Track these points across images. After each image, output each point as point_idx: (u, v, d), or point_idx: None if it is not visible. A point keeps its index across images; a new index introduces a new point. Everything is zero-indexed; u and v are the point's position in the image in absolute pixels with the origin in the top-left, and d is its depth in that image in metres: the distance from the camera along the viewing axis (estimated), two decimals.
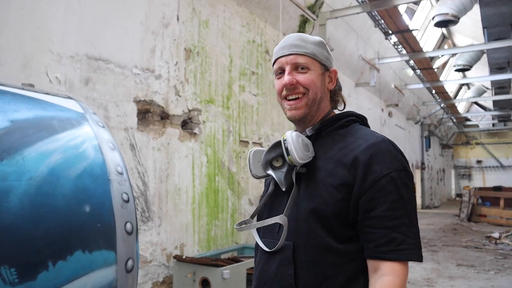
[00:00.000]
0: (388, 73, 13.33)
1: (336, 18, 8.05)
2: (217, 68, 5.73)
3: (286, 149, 1.18)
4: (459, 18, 9.94)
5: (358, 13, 8.09)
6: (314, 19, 7.45)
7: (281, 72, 1.29)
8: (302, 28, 7.82)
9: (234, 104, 6.06)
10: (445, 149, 27.84)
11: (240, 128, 6.17)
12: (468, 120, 26.76)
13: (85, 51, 3.84)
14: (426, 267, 6.94)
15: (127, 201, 1.25)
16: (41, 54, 3.45)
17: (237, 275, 4.16)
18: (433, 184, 22.86)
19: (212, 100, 5.59)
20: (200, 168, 5.29)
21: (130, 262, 1.22)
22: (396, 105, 14.65)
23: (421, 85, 14.70)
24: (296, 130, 1.34)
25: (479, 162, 31.25)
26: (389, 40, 10.86)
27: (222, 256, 5.10)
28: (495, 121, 25.84)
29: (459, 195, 27.01)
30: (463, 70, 15.15)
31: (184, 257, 4.57)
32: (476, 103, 25.19)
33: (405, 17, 12.38)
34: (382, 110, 13.98)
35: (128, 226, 1.23)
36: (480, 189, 18.75)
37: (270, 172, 1.30)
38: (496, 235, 10.25)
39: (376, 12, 9.08)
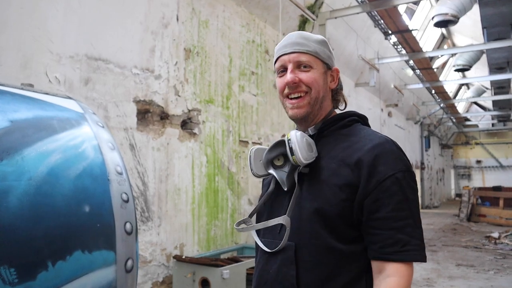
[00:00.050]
0: (387, 73, 13.34)
1: (335, 18, 8.05)
2: (216, 68, 5.73)
3: (291, 148, 1.17)
4: (458, 18, 9.94)
5: (357, 13, 8.09)
6: (313, 19, 7.45)
7: (283, 70, 1.28)
8: (301, 28, 7.82)
9: (234, 104, 6.06)
10: (445, 149, 27.85)
11: (240, 128, 6.17)
12: (468, 120, 26.77)
13: (84, 51, 3.84)
14: (425, 267, 6.94)
15: (127, 201, 1.25)
16: (40, 54, 3.45)
17: (237, 275, 4.16)
18: (432, 184, 22.86)
19: (212, 100, 5.59)
20: (200, 168, 5.29)
21: (129, 262, 1.22)
22: (396, 105, 14.66)
23: (420, 85, 14.70)
24: (297, 129, 1.33)
25: (478, 162, 31.26)
26: (389, 40, 10.86)
27: (222, 256, 5.10)
28: (495, 121, 25.86)
29: (458, 195, 27.01)
30: (462, 70, 15.15)
31: (183, 257, 4.57)
32: (475, 103, 25.20)
33: (404, 17, 12.39)
34: (382, 110, 13.98)
35: (128, 226, 1.23)
36: (480, 189, 18.76)
37: (271, 171, 1.29)
38: (495, 235, 10.26)
39: (375, 12, 9.08)
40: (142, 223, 4.36)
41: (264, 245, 1.25)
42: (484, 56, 13.00)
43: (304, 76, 1.24)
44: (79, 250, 1.09)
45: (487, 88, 19.36)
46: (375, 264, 1.13)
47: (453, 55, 15.87)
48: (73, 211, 1.11)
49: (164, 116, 4.75)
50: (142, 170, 4.39)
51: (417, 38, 12.10)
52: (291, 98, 1.26)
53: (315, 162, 1.21)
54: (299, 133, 1.20)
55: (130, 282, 1.22)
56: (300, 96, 1.25)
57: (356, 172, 1.14)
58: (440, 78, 16.77)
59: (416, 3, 13.61)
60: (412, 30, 10.44)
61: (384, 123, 14.17)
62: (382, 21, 9.58)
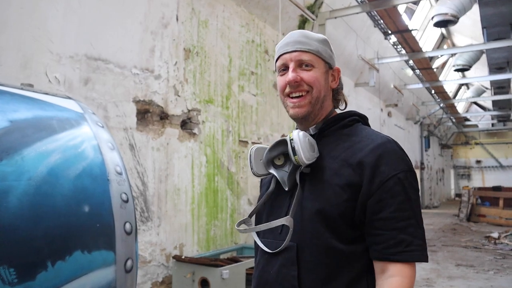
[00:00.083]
0: (387, 73, 13.34)
1: (335, 18, 8.05)
2: (216, 68, 5.73)
3: (293, 148, 1.16)
4: (458, 18, 9.94)
5: (357, 13, 8.10)
6: (313, 19, 7.45)
7: (284, 69, 1.26)
8: (301, 28, 7.82)
9: (234, 104, 6.06)
10: (445, 149, 27.85)
11: (240, 128, 6.17)
12: (468, 120, 26.78)
13: (84, 51, 3.84)
14: (425, 267, 6.95)
15: (126, 201, 1.25)
16: (40, 54, 3.45)
17: (236, 275, 4.16)
18: (432, 184, 22.87)
19: (212, 100, 5.59)
20: (200, 168, 5.29)
21: (129, 262, 1.22)
22: (396, 105, 14.66)
23: (420, 85, 14.71)
24: (297, 128, 1.33)
25: (478, 162, 31.27)
26: (389, 40, 10.87)
27: (222, 256, 5.10)
28: (495, 121, 25.87)
29: (458, 195, 27.01)
30: (462, 70, 15.15)
31: (183, 257, 4.57)
32: (475, 103, 25.21)
33: (404, 17, 12.39)
34: (382, 110, 13.99)
35: (127, 226, 1.23)
36: (480, 189, 18.76)
37: (272, 170, 1.28)
38: (495, 235, 10.26)
39: (375, 12, 9.09)
40: (141, 223, 4.36)
41: (265, 246, 1.24)
42: (484, 56, 13.00)
43: (305, 75, 1.23)
44: (79, 250, 1.09)
45: (486, 88, 19.37)
46: (377, 265, 1.12)
47: (452, 55, 15.87)
48: (73, 211, 1.11)
49: (163, 116, 4.75)
50: (142, 170, 4.39)
51: (417, 38, 12.10)
52: (292, 97, 1.25)
53: (316, 162, 1.20)
54: (301, 133, 1.19)
55: (129, 282, 1.22)
56: (302, 95, 1.24)
57: (359, 172, 1.13)
58: (440, 78, 16.78)
59: (416, 3, 13.62)
60: (412, 30, 10.45)
61: (384, 123, 14.17)
62: (381, 21, 9.58)
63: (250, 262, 4.40)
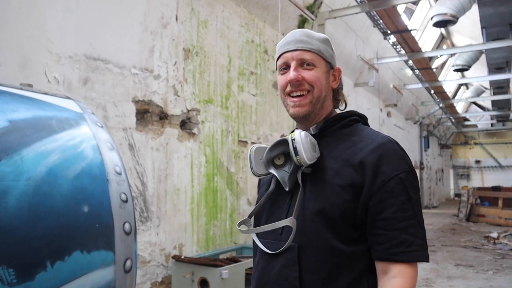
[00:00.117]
0: (387, 73, 13.35)
1: (335, 18, 8.05)
2: (216, 68, 5.73)
3: (295, 149, 1.15)
4: (457, 18, 9.95)
5: (356, 13, 8.10)
6: (313, 19, 7.45)
7: (285, 67, 1.26)
8: (301, 28, 7.81)
9: (233, 104, 6.06)
10: (444, 149, 27.87)
11: (239, 128, 6.17)
12: (467, 120, 26.81)
13: (83, 51, 3.84)
14: (424, 267, 6.95)
15: (126, 201, 1.25)
16: (39, 54, 3.44)
17: (236, 275, 4.16)
18: (431, 184, 22.89)
19: (211, 100, 5.59)
20: (199, 168, 5.29)
21: (128, 262, 1.22)
22: (395, 105, 14.67)
23: (419, 85, 14.71)
24: (297, 128, 1.32)
25: (477, 162, 31.30)
26: (388, 40, 10.87)
27: (221, 256, 5.10)
28: (494, 121, 25.91)
29: (457, 195, 27.03)
30: (461, 70, 15.17)
31: (182, 257, 4.56)
32: (474, 103, 25.23)
33: (404, 17, 12.40)
34: (381, 110, 13.99)
35: (127, 226, 1.23)
36: (479, 189, 18.76)
37: (272, 170, 1.27)
38: (494, 235, 10.27)
39: (375, 12, 9.09)
40: (141, 223, 4.35)
41: (264, 246, 1.23)
42: (483, 56, 13.02)
43: (307, 74, 1.22)
44: (78, 250, 1.09)
45: (486, 88, 19.38)
46: (379, 265, 1.12)
47: (452, 55, 15.89)
48: (72, 211, 1.11)
49: (163, 116, 4.75)
50: (141, 170, 4.39)
51: (416, 38, 12.11)
52: (293, 96, 1.24)
53: (317, 162, 1.20)
54: (303, 133, 1.18)
55: (129, 282, 1.22)
56: (302, 95, 1.23)
57: (360, 172, 1.13)
58: (439, 78, 16.79)
59: (415, 3, 13.62)
60: (411, 30, 10.45)
61: (383, 123, 14.17)
62: (381, 21, 9.59)
63: (250, 262, 4.40)
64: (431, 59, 15.65)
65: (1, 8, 3.19)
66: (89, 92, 3.86)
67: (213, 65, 5.68)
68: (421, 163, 20.34)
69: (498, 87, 15.93)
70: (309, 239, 1.14)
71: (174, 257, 4.53)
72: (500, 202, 13.65)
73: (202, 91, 5.41)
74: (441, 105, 18.80)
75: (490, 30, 9.87)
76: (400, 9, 12.00)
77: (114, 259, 1.18)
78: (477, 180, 30.58)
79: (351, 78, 11.18)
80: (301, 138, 1.16)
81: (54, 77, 3.55)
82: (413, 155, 19.01)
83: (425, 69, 13.34)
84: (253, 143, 6.42)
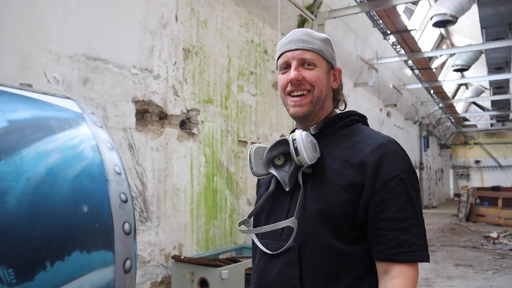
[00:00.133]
0: (386, 73, 13.35)
1: (334, 18, 8.05)
2: (215, 68, 5.73)
3: (296, 149, 1.15)
4: (457, 18, 9.96)
5: (356, 13, 8.10)
6: (312, 19, 7.45)
7: (286, 67, 1.25)
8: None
9: (233, 104, 6.06)
10: (444, 149, 27.88)
11: (239, 128, 6.17)
12: (467, 120, 26.81)
13: (83, 51, 3.84)
14: (424, 267, 6.95)
15: (125, 201, 1.25)
16: (39, 54, 3.44)
17: (236, 275, 4.16)
18: (431, 184, 22.89)
19: (211, 100, 5.59)
20: (199, 168, 5.29)
21: (128, 263, 1.22)
22: (395, 105, 14.67)
23: (419, 85, 14.72)
24: (296, 127, 1.32)
25: (477, 162, 31.32)
26: (388, 40, 10.87)
27: (221, 256, 5.10)
28: (493, 121, 25.92)
29: (457, 195, 27.06)
30: (461, 70, 15.17)
31: (182, 257, 4.56)
32: (474, 103, 25.24)
33: (403, 17, 12.40)
34: (381, 110, 13.99)
35: (126, 226, 1.23)
36: (479, 189, 18.77)
37: (272, 170, 1.26)
38: (494, 235, 10.27)
39: (374, 12, 9.09)
40: (140, 223, 4.35)
41: (264, 247, 1.22)
42: (483, 56, 13.02)
43: (308, 74, 1.22)
44: (78, 251, 1.09)
45: (485, 88, 19.39)
46: (380, 265, 1.12)
47: (451, 55, 15.90)
48: (72, 211, 1.11)
49: (163, 116, 4.75)
50: (141, 170, 4.39)
51: (416, 38, 12.12)
52: (293, 96, 1.24)
53: (317, 162, 1.19)
54: (304, 133, 1.18)
55: (128, 283, 1.22)
56: (303, 94, 1.23)
57: (361, 173, 1.13)
58: (439, 78, 16.80)
59: (415, 3, 13.63)
60: (411, 30, 10.46)
61: (383, 123, 14.18)
62: (381, 21, 9.59)
63: (249, 262, 4.39)
64: (430, 59, 15.65)
65: (1, 8, 3.19)
66: (88, 92, 3.86)
67: (213, 65, 5.68)
68: (421, 163, 20.34)
69: (498, 87, 15.94)
70: (309, 240, 1.14)
71: (173, 257, 4.53)
72: (500, 202, 13.66)
73: (201, 91, 5.41)
74: (440, 105, 18.81)
75: (490, 30, 9.87)
76: (400, 9, 12.01)
77: (114, 259, 1.18)
78: (476, 180, 30.59)
79: (350, 78, 11.19)
80: (302, 138, 1.15)
81: (54, 77, 3.55)
82: (413, 155, 19.01)
83: (424, 69, 13.34)
84: (252, 143, 6.41)
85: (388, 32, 10.17)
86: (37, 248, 1.02)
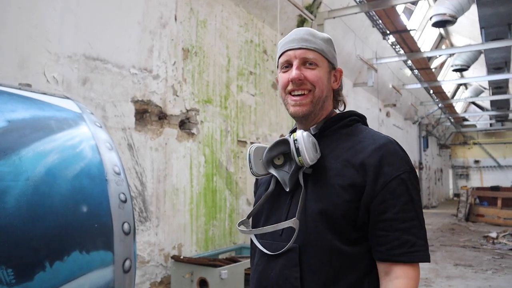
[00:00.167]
0: (386, 73, 13.35)
1: (334, 18, 8.06)
2: (215, 68, 5.73)
3: (297, 149, 1.15)
4: (456, 18, 9.97)
5: (356, 13, 8.11)
6: (312, 19, 7.45)
7: (287, 65, 1.25)
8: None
9: (232, 104, 6.06)
10: (443, 149, 27.89)
11: (238, 128, 6.17)
12: (466, 120, 26.84)
13: (82, 51, 3.83)
14: (424, 267, 6.95)
15: (125, 201, 1.24)
16: (38, 54, 3.44)
17: (235, 275, 4.16)
18: (431, 184, 22.90)
19: (210, 100, 5.59)
20: (198, 168, 5.29)
21: (127, 263, 1.22)
22: (394, 105, 14.68)
23: (418, 85, 14.73)
24: (296, 127, 1.32)
25: (476, 162, 31.34)
26: (387, 40, 10.88)
27: (220, 256, 5.10)
28: (493, 121, 25.96)
29: (456, 195, 27.06)
30: (460, 70, 15.19)
31: (182, 257, 4.56)
32: (473, 103, 25.26)
33: (403, 17, 12.40)
34: (380, 110, 14.00)
35: (126, 226, 1.22)
36: (478, 189, 18.77)
37: (272, 171, 1.26)
38: (493, 235, 10.28)
39: (374, 12, 9.10)
40: (140, 223, 4.35)
41: (263, 247, 1.22)
42: (482, 56, 13.04)
43: (309, 73, 1.22)
44: (77, 251, 1.09)
45: (485, 88, 19.40)
46: (381, 266, 1.12)
47: (451, 55, 15.91)
48: (71, 211, 1.10)
49: (162, 116, 4.75)
50: (140, 170, 4.38)
51: (415, 38, 12.12)
52: (293, 95, 1.24)
53: (318, 162, 1.19)
54: (305, 133, 1.17)
55: (128, 283, 1.22)
56: (304, 94, 1.22)
57: (361, 173, 1.13)
58: (438, 78, 16.81)
59: (414, 3, 13.63)
60: (410, 30, 10.46)
61: (382, 123, 14.18)
62: (380, 21, 9.60)
63: (249, 262, 4.39)
64: (430, 59, 15.66)
65: (0, 8, 3.19)
66: (88, 92, 3.86)
67: (212, 65, 5.68)
68: (420, 163, 20.35)
69: (497, 87, 15.96)
70: (310, 240, 1.14)
71: (173, 257, 4.53)
72: (499, 202, 13.68)
73: (201, 91, 5.41)
74: (440, 105, 18.82)
75: (489, 30, 9.88)
76: (399, 9, 12.02)
77: (113, 259, 1.18)
78: (476, 180, 30.61)
79: (350, 78, 11.19)
80: (303, 139, 1.15)
81: (53, 77, 3.55)
82: (412, 155, 19.02)
83: (424, 69, 13.35)
84: (252, 143, 6.41)
85: (388, 32, 10.18)
86: (36, 248, 1.01)
